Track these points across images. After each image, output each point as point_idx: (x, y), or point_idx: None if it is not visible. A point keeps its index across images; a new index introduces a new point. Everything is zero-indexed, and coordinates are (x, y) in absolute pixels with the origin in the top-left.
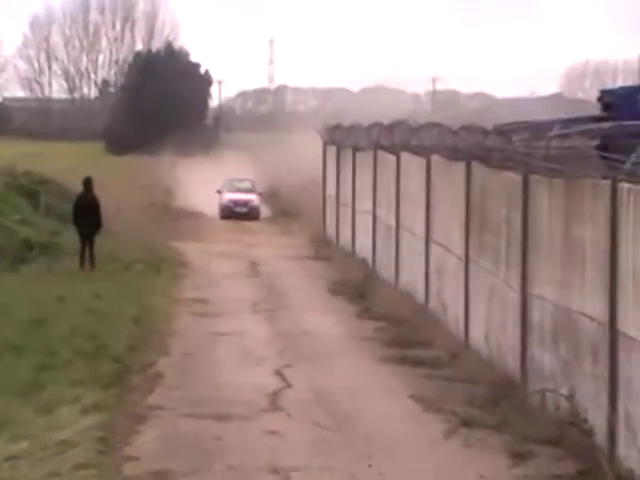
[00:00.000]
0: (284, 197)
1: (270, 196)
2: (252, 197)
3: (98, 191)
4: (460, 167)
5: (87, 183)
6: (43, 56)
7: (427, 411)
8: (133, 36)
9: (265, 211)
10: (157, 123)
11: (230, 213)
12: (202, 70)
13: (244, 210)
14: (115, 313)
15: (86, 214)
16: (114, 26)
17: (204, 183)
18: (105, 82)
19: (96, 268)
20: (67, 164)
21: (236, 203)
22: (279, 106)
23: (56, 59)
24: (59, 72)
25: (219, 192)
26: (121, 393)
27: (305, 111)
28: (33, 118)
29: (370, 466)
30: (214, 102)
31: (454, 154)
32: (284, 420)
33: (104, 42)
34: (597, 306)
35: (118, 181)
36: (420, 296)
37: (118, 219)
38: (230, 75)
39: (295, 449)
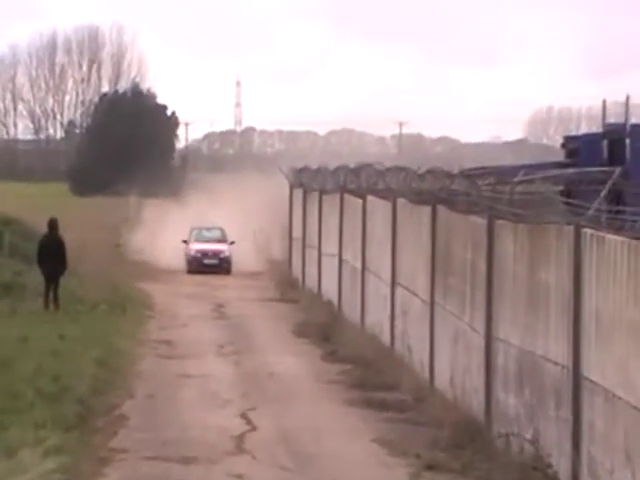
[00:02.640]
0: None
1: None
2: (223, 247)
3: (63, 231)
4: (426, 210)
5: (52, 224)
6: (9, 96)
7: (391, 454)
8: (100, 77)
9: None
10: (123, 164)
11: (198, 266)
12: (169, 112)
13: (214, 262)
14: (79, 354)
15: (50, 255)
16: (80, 67)
17: (169, 227)
18: (71, 123)
19: (60, 309)
20: (32, 204)
21: (205, 254)
22: (246, 148)
23: (22, 100)
24: (25, 113)
25: (185, 242)
26: (84, 436)
27: (272, 153)
28: None
29: None
30: (181, 143)
31: (420, 197)
32: (249, 463)
33: (70, 83)
34: (561, 350)
35: (83, 222)
36: (386, 338)
37: (83, 260)
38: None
39: None
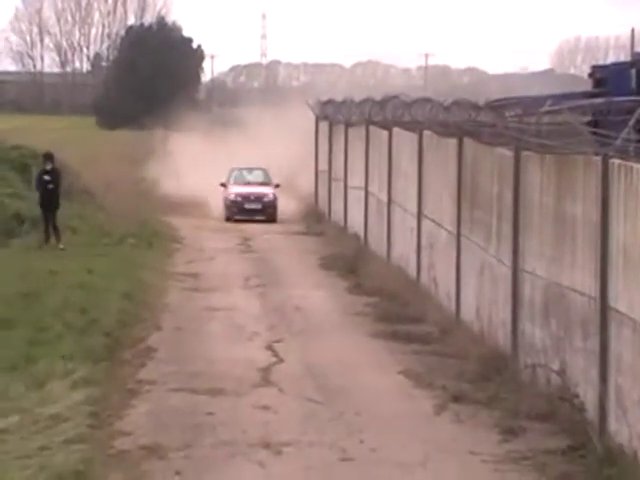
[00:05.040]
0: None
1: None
2: (267, 190)
3: (89, 165)
4: (452, 142)
5: (47, 157)
6: (35, 30)
7: (417, 386)
8: (125, 10)
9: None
10: (149, 97)
11: (238, 211)
12: (194, 45)
13: (257, 207)
14: (106, 288)
15: (47, 189)
16: (106, 0)
17: (196, 161)
18: (97, 56)
19: (61, 240)
20: (58, 138)
21: (246, 198)
22: (271, 81)
23: (48, 33)
24: (51, 46)
25: (223, 185)
26: (112, 367)
27: (297, 86)
28: (24, 92)
29: (361, 442)
30: (206, 76)
31: (446, 129)
32: (276, 395)
33: (96, 16)
34: (588, 282)
35: (109, 155)
36: (412, 271)
37: (109, 193)
38: (223, 50)
39: (287, 424)
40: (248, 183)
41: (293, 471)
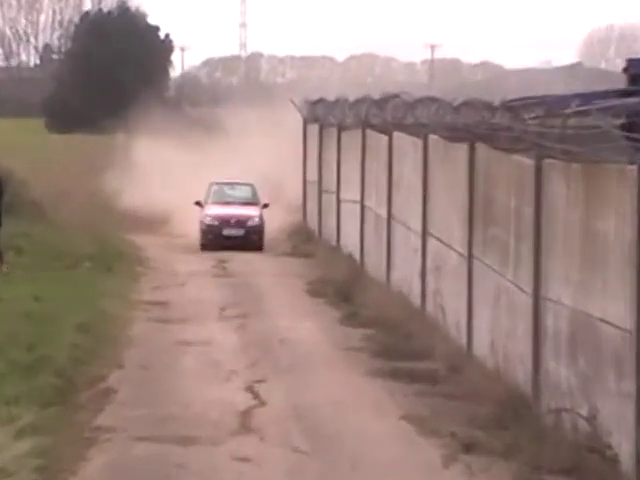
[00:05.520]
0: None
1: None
2: (251, 212)
3: (38, 174)
4: (462, 149)
5: None
6: None
7: (422, 433)
8: None
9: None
10: (108, 96)
11: (215, 239)
12: (162, 34)
13: (238, 233)
14: (58, 318)
15: None
16: None
17: (164, 170)
18: (47, 47)
19: (3, 263)
20: (1, 143)
21: (225, 222)
22: (252, 77)
23: None
24: None
25: (198, 204)
26: (65, 413)
27: (282, 83)
28: None
29: None
30: (176, 72)
31: (455, 134)
32: (257, 444)
33: (46, 1)
34: (622, 312)
35: (62, 164)
36: (415, 298)
37: (62, 209)
38: (195, 41)
39: (269, 479)
40: (229, 203)
41: None
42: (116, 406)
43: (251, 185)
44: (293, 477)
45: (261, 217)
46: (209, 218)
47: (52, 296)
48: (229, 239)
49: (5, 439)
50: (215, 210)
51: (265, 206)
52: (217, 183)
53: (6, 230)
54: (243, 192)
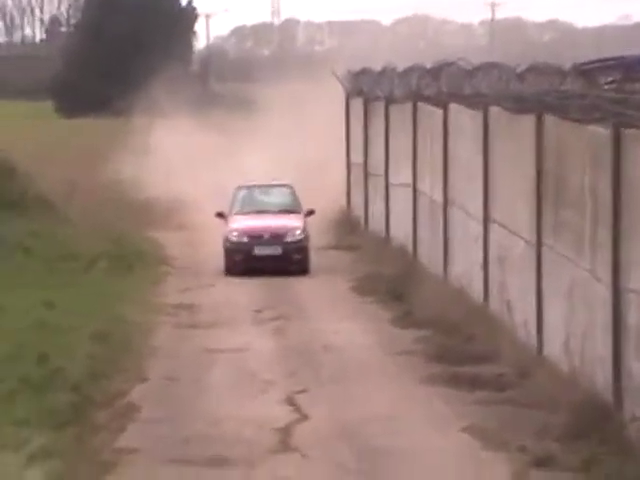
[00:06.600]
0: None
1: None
2: (292, 223)
3: (46, 165)
4: (529, 121)
5: None
6: None
7: (488, 447)
8: None
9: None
10: (123, 74)
11: (245, 260)
12: (184, 1)
13: (275, 252)
14: (73, 327)
15: None
16: None
17: (195, 159)
18: (54, 20)
19: None
20: (4, 130)
21: (257, 238)
22: (287, 47)
23: None
24: None
25: (221, 216)
26: (81, 433)
27: (321, 52)
28: None
29: None
30: (200, 43)
31: (520, 104)
32: (299, 463)
33: None
34: None
35: (73, 151)
36: (477, 293)
37: (74, 201)
38: (221, 7)
39: None
40: (261, 212)
41: None
42: (139, 425)
43: (289, 186)
44: None
45: (304, 229)
46: (235, 233)
47: (65, 302)
48: (262, 260)
49: (14, 466)
50: (243, 222)
51: (309, 213)
52: (244, 187)
53: (11, 228)
54: (279, 197)
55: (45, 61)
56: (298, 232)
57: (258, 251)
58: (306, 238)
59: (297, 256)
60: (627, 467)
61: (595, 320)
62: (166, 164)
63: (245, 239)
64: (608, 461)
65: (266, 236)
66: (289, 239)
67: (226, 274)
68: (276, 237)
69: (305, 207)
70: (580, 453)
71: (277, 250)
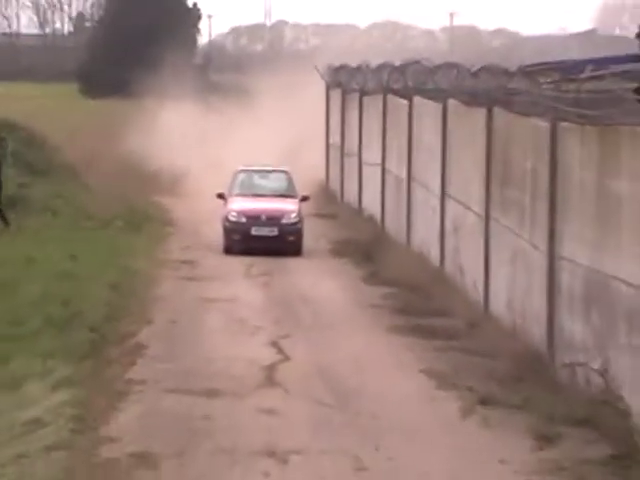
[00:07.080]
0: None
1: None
2: (288, 206)
3: (71, 138)
4: (480, 113)
5: None
6: None
7: (441, 387)
8: None
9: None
10: (138, 62)
11: (243, 240)
12: (190, 2)
13: (271, 233)
14: (91, 277)
15: None
16: None
17: (198, 136)
18: (80, 15)
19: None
20: (37, 108)
21: (254, 219)
22: (277, 44)
23: None
24: (28, 3)
25: (221, 197)
26: (98, 366)
27: (306, 50)
28: None
29: (377, 449)
30: (203, 39)
31: (474, 98)
32: (281, 397)
33: None
34: (635, 270)
35: (94, 127)
36: (435, 258)
37: (93, 170)
38: (221, 8)
39: (294, 430)
40: (259, 195)
41: None
42: (146, 360)
43: (286, 172)
44: (317, 427)
45: (299, 213)
46: (234, 214)
47: (85, 255)
48: (259, 240)
49: (41, 391)
50: (242, 204)
51: (304, 199)
52: (244, 170)
53: (41, 191)
54: (276, 181)
55: (72, 51)
56: (293, 215)
57: (255, 231)
58: (300, 221)
59: (291, 238)
60: (557, 405)
61: (533, 283)
62: (172, 140)
63: (243, 219)
64: (542, 400)
65: (263, 217)
66: (285, 221)
67: (225, 253)
68: (272, 219)
69: (300, 193)
70: (519, 393)
71: (273, 231)
